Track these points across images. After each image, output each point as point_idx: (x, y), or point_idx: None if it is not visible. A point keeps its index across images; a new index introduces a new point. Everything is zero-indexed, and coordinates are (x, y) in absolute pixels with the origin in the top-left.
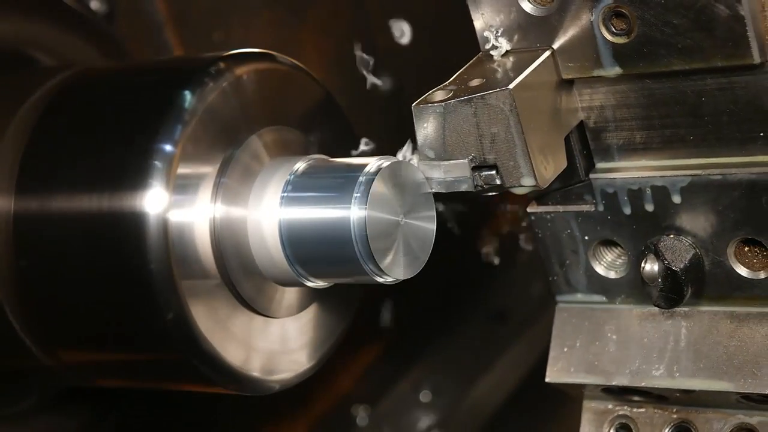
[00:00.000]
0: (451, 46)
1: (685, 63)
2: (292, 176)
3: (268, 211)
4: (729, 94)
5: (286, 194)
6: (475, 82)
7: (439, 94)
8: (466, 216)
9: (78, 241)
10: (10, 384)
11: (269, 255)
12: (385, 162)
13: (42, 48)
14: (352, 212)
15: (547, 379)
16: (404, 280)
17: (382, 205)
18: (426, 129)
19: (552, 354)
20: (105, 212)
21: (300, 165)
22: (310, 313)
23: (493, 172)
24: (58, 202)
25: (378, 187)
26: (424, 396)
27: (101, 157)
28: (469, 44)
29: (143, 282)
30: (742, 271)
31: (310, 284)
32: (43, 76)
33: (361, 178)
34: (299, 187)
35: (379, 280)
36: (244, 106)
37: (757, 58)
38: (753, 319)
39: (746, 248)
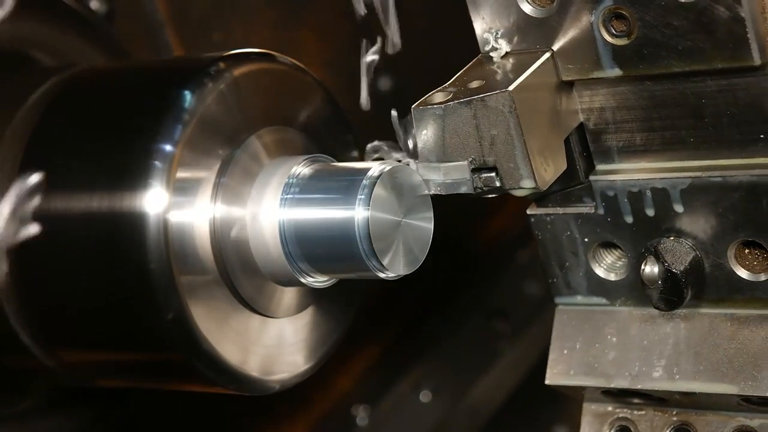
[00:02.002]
0: (451, 46)
1: (686, 65)
2: (293, 177)
3: (268, 211)
4: (729, 95)
5: (286, 194)
6: (474, 84)
7: (438, 96)
8: (466, 215)
9: (78, 241)
10: (10, 384)
11: (269, 255)
12: (386, 166)
13: (42, 48)
14: (356, 213)
15: (546, 382)
16: (405, 280)
17: (384, 206)
18: (426, 131)
19: (552, 356)
20: (105, 212)
21: (300, 165)
22: (310, 313)
23: (493, 174)
24: (58, 202)
25: (380, 189)
26: (424, 396)
27: (101, 157)
28: (469, 44)
29: (143, 282)
30: (743, 273)
31: (310, 284)
32: (43, 76)
33: (364, 181)
34: (300, 188)
35: (380, 275)
36: (244, 107)
37: (757, 60)
38: (753, 322)
39: (746, 250)
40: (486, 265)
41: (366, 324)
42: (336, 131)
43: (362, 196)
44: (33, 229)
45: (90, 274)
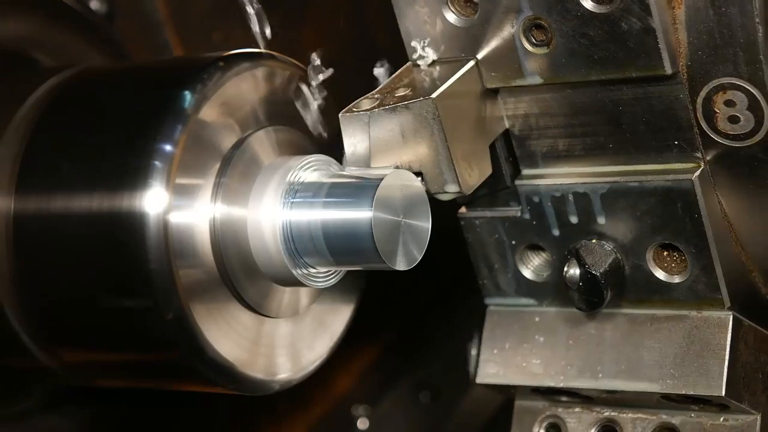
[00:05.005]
0: None
1: (602, 73)
2: (294, 177)
3: (268, 211)
4: (645, 103)
5: (288, 195)
6: (400, 92)
7: (365, 103)
8: None
9: (78, 241)
10: (10, 384)
11: (269, 255)
12: (387, 171)
13: (42, 48)
14: (360, 214)
15: (477, 381)
16: (405, 280)
17: (385, 207)
18: (353, 137)
19: (482, 356)
20: (105, 212)
21: (300, 165)
22: (310, 313)
23: (419, 179)
24: (58, 202)
25: (382, 192)
26: (424, 396)
27: (101, 157)
28: None
29: (143, 282)
30: (660, 275)
31: (310, 284)
32: (43, 76)
33: (367, 184)
34: (302, 190)
35: (383, 268)
36: (244, 106)
37: (669, 69)
38: (672, 322)
39: (665, 253)
40: None
41: (366, 324)
42: (335, 131)
43: (365, 198)
44: None
45: (90, 275)
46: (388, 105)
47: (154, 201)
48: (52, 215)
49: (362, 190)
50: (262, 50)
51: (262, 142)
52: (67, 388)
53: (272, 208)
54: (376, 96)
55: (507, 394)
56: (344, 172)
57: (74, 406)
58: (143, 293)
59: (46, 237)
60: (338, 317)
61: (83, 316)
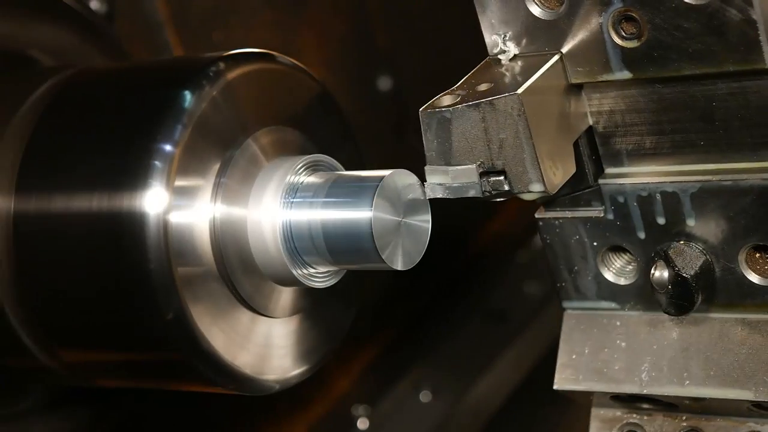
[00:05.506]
0: (451, 46)
1: (696, 68)
2: (294, 178)
3: (268, 211)
4: (740, 98)
5: (288, 195)
6: (483, 87)
7: (446, 99)
8: (466, 216)
9: (78, 241)
10: (10, 384)
11: (269, 255)
12: (386, 172)
13: (42, 48)
14: (360, 214)
15: (555, 387)
16: (405, 280)
17: (385, 207)
18: (433, 134)
19: (560, 361)
20: (105, 212)
21: (300, 166)
22: (311, 313)
23: (502, 177)
24: (58, 202)
25: (382, 192)
26: (424, 396)
27: (101, 157)
28: (469, 44)
29: (143, 282)
30: (753, 277)
31: (310, 284)
32: (43, 76)
33: (367, 184)
34: (302, 190)
35: (382, 267)
36: (244, 107)
37: None
38: (764, 326)
39: (757, 255)
40: (486, 265)
41: (366, 324)
42: (335, 131)
43: (366, 199)
44: None
45: (90, 275)
46: (471, 101)
47: (154, 201)
48: (52, 215)
49: (362, 190)
50: (262, 50)
51: (262, 142)
52: (67, 388)
53: (272, 207)
54: (457, 92)
55: (585, 400)
56: (344, 172)
57: (74, 406)
58: (143, 293)
59: (46, 237)
60: (339, 317)
61: (83, 316)
